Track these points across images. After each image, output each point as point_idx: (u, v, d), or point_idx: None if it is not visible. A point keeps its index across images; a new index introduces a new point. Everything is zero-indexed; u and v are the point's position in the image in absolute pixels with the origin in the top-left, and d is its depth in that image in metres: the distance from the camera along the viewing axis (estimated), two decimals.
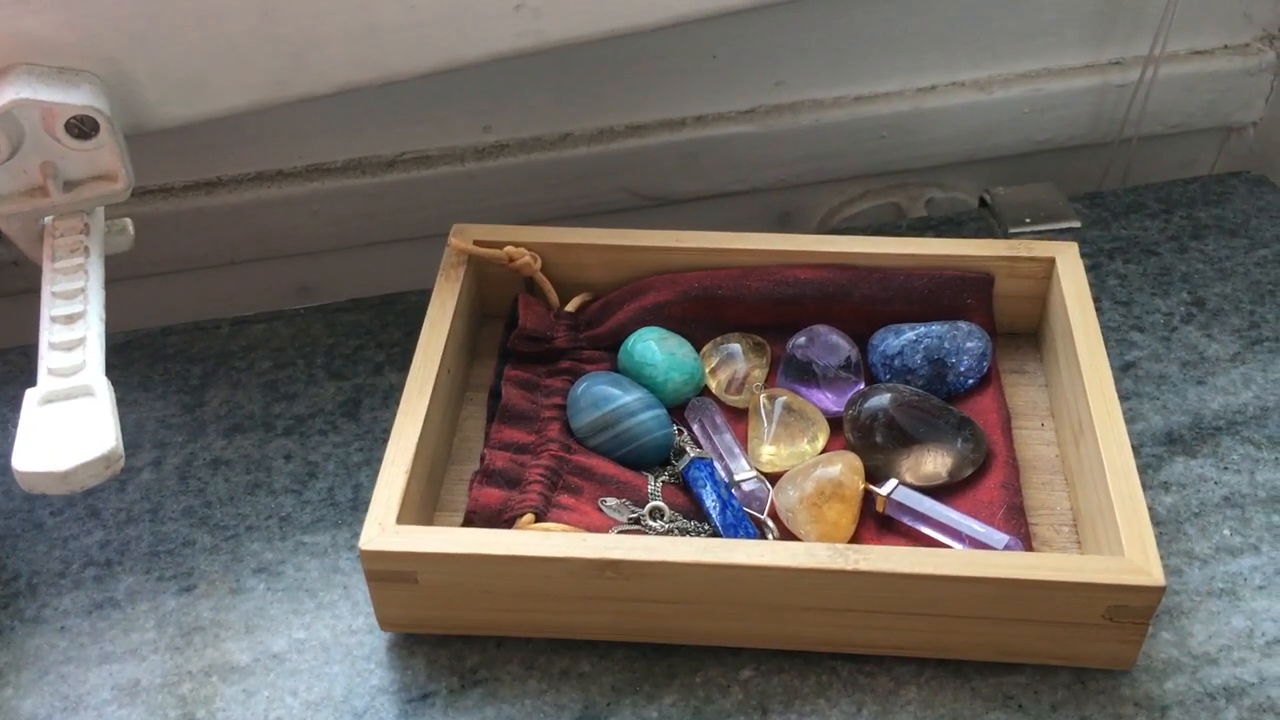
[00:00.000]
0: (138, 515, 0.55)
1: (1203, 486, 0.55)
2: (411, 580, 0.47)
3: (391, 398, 0.60)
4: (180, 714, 0.47)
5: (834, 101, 0.74)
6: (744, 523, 0.50)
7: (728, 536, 0.50)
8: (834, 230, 0.79)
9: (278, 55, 0.55)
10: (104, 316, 0.50)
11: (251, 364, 0.62)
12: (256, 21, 0.53)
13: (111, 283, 0.65)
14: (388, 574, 0.47)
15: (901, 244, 0.58)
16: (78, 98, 0.50)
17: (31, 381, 0.48)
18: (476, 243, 0.59)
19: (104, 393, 0.47)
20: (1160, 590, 0.44)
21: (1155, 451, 0.56)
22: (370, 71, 0.57)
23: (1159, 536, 0.52)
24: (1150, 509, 0.53)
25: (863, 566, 0.45)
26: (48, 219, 0.54)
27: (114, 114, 0.52)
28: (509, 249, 0.59)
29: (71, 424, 0.46)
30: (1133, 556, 0.45)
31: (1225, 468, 0.55)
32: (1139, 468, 0.55)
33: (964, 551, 0.47)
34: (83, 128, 0.51)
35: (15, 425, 0.46)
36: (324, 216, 0.71)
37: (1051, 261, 0.57)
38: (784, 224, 0.80)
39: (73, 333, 0.49)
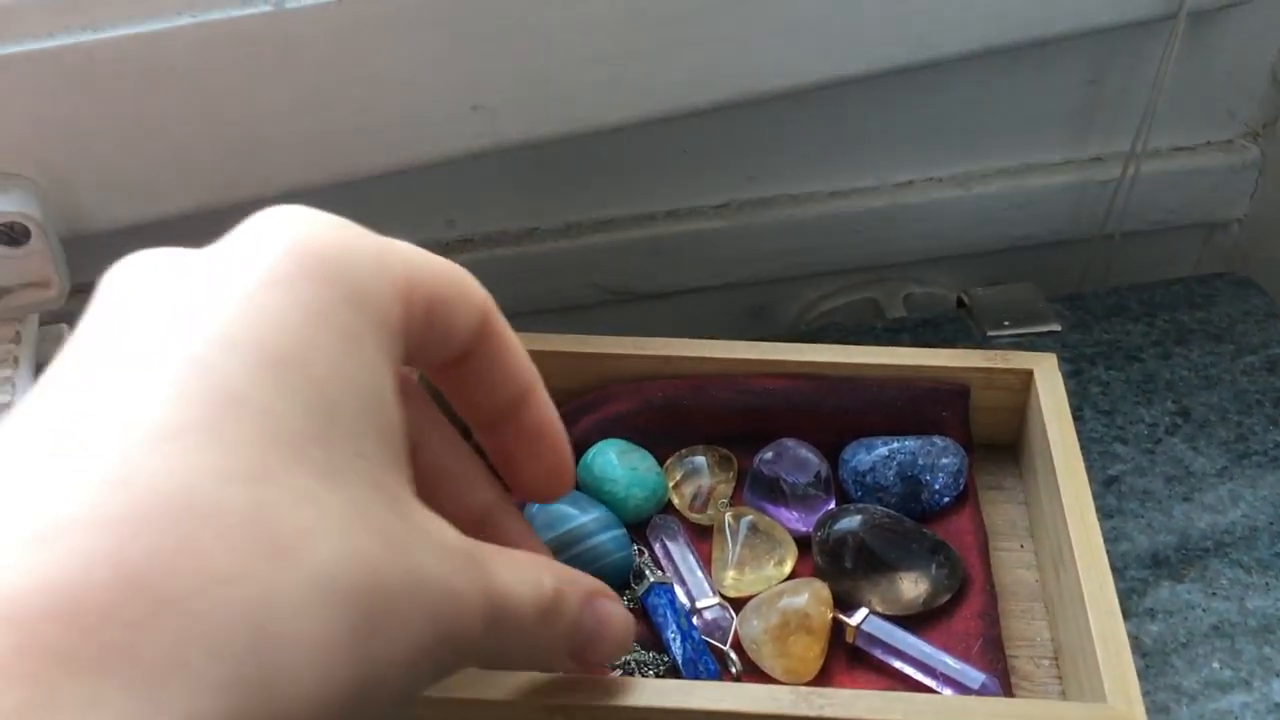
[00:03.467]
0: None
1: (1190, 614, 0.52)
2: None
3: None
4: None
5: (808, 197, 0.72)
6: (704, 657, 0.48)
7: (686, 671, 0.47)
8: (809, 326, 0.77)
9: (223, 158, 0.53)
10: None
11: None
12: (200, 124, 0.51)
13: None
14: None
15: (873, 353, 0.56)
16: (7, 204, 0.48)
17: None
18: None
19: None
20: None
21: (1140, 575, 0.53)
22: (321, 174, 0.55)
23: (1145, 669, 0.50)
24: (1136, 639, 0.51)
25: (828, 713, 0.42)
26: None
27: (48, 219, 0.50)
28: None
29: None
30: (1115, 703, 0.42)
31: (1214, 593, 0.53)
32: (1124, 592, 0.52)
33: (936, 697, 0.44)
34: (13, 234, 0.49)
35: None
36: None
37: (1029, 374, 0.55)
38: (758, 319, 0.78)
39: None
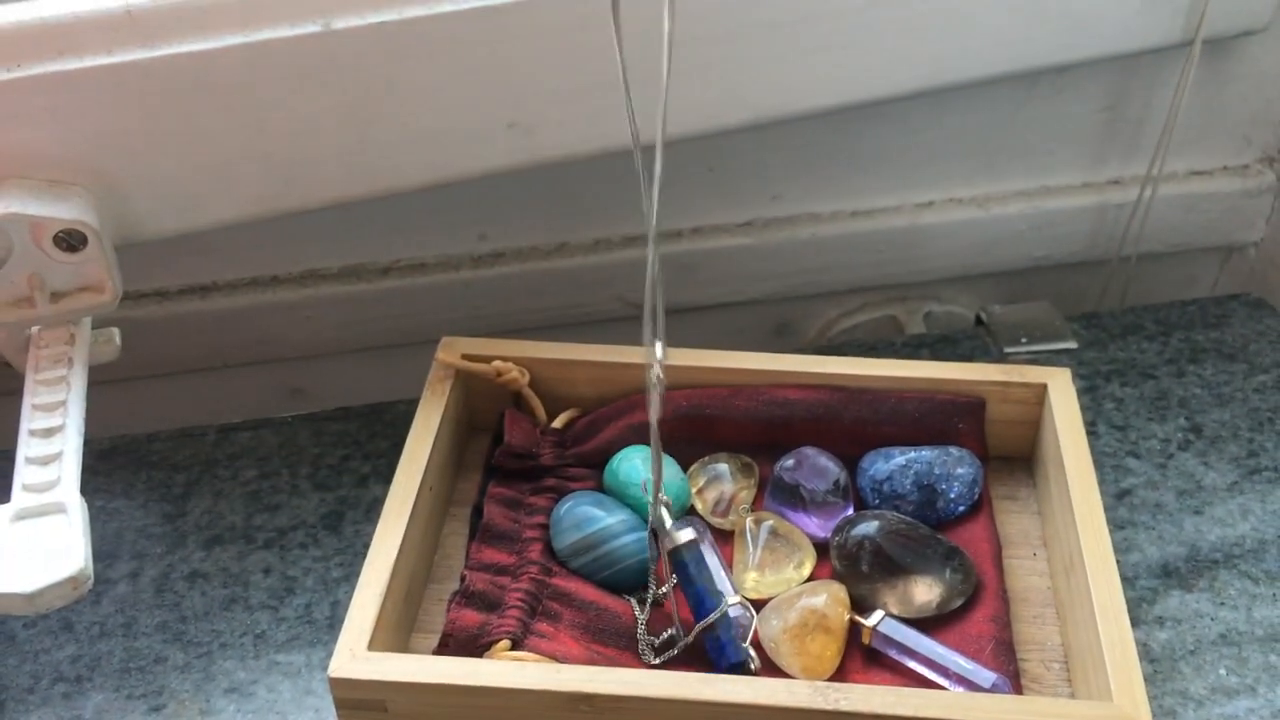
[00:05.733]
0: (111, 629, 0.54)
1: (1199, 623, 0.53)
2: (381, 709, 0.46)
3: (375, 511, 0.59)
4: None
5: (831, 216, 0.74)
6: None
7: (711, 652, 0.49)
8: (831, 342, 0.79)
9: (270, 170, 0.55)
10: (83, 430, 0.50)
11: (236, 473, 0.62)
12: (249, 137, 0.54)
13: (102, 384, 0.66)
14: (357, 702, 0.46)
15: (892, 366, 0.58)
16: (67, 212, 0.51)
17: (8, 491, 0.48)
18: (464, 356, 0.58)
19: (76, 511, 0.46)
20: None
21: (1151, 584, 0.55)
22: (364, 186, 0.57)
23: (1154, 675, 0.51)
24: (1145, 645, 0.52)
25: (843, 706, 0.44)
26: (34, 329, 0.54)
27: (103, 227, 0.52)
28: (497, 364, 0.58)
29: (42, 543, 0.45)
30: (1121, 703, 0.44)
31: (1222, 603, 0.54)
32: (1134, 601, 0.54)
33: (948, 693, 0.46)
34: (71, 241, 0.51)
35: None
36: (319, 322, 0.71)
37: (1044, 388, 0.57)
38: (780, 335, 0.79)
39: (50, 447, 0.49)
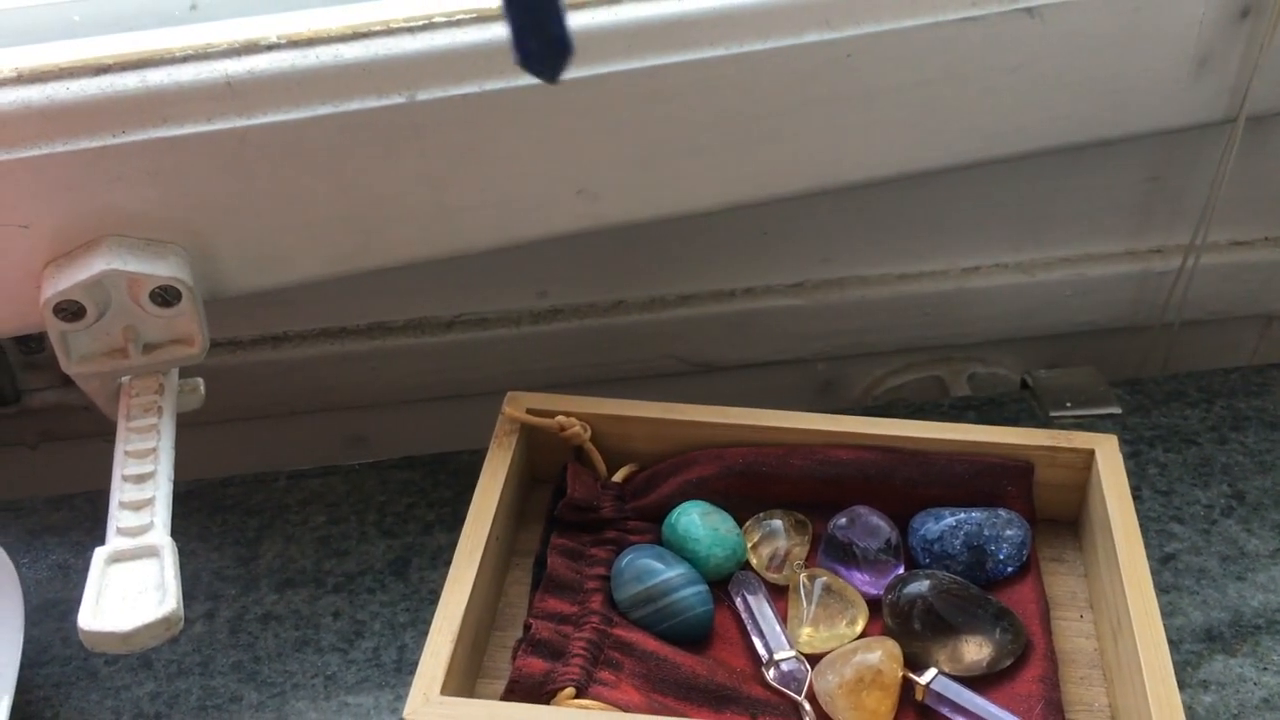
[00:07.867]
0: (189, 668, 0.56)
1: (1242, 687, 0.55)
2: None
3: (440, 558, 0.61)
4: None
5: (879, 278, 0.76)
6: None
7: None
8: (876, 401, 0.81)
9: (352, 232, 0.58)
10: (172, 476, 0.53)
11: (306, 519, 0.64)
12: (335, 201, 0.57)
13: (179, 429, 0.68)
14: None
15: (943, 429, 0.60)
16: (164, 269, 0.54)
17: (95, 528, 0.50)
18: (529, 411, 0.61)
19: (169, 554, 0.49)
20: None
21: (1195, 648, 0.56)
22: (438, 247, 0.60)
23: None
24: (1190, 708, 0.54)
25: None
26: (125, 378, 0.57)
27: (196, 283, 0.55)
28: (560, 418, 0.60)
29: (136, 585, 0.47)
30: None
31: (1265, 668, 0.55)
32: (1178, 664, 0.55)
33: None
34: (166, 296, 0.54)
35: (77, 572, 0.48)
36: (383, 373, 0.74)
37: (1091, 453, 0.58)
38: (827, 393, 0.81)
39: (142, 492, 0.51)
